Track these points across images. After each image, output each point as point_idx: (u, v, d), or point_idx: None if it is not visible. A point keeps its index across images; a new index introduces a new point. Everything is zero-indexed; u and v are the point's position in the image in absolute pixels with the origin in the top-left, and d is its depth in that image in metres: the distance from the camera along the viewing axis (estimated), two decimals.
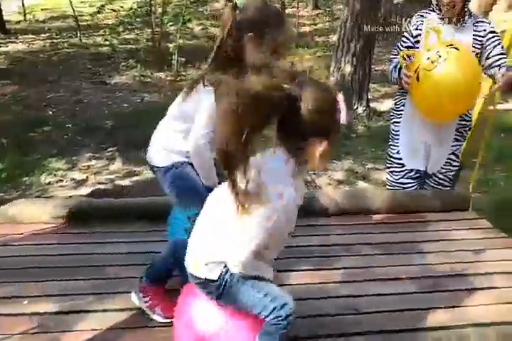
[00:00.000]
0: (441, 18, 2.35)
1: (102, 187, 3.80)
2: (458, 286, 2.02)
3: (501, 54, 2.29)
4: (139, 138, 4.94)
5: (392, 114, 2.72)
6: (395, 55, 2.49)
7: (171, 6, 9.45)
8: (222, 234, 1.39)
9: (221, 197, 1.41)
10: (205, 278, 1.42)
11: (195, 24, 12.71)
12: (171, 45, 8.52)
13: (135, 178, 4.01)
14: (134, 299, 1.86)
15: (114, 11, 11.33)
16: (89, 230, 2.41)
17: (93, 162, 4.33)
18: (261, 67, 1.35)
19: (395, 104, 2.70)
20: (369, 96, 6.08)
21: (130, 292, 1.88)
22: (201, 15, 13.22)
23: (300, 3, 13.56)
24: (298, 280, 2.04)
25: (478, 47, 2.32)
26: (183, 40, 8.89)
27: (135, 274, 1.95)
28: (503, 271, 2.13)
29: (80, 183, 3.89)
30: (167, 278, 1.88)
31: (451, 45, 2.18)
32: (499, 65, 2.26)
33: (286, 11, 12.98)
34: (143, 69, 8.24)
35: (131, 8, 11.18)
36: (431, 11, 2.41)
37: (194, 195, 1.77)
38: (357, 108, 5.81)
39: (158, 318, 1.81)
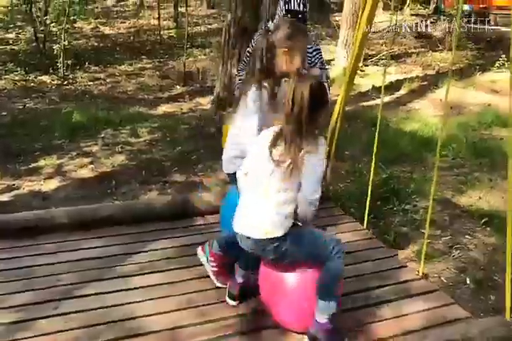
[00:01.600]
0: None
1: None
2: None
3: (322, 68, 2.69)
4: (19, 149, 4.67)
5: None
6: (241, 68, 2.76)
7: (56, 3, 8.90)
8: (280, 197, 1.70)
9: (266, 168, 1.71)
10: (270, 238, 1.70)
11: (85, 23, 12.16)
12: (55, 47, 8.02)
13: (15, 192, 3.79)
14: (203, 259, 2.12)
15: None
16: None
17: None
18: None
19: None
20: None
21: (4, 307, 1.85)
22: (90, 13, 12.68)
23: (194, 3, 13.55)
24: None
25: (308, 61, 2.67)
26: (71, 41, 8.43)
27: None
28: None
29: None
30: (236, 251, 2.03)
31: None
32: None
33: (181, 10, 12.92)
34: (24, 73, 7.68)
35: (9, 5, 10.36)
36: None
37: None
38: None
39: (218, 284, 2.10)
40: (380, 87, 3.10)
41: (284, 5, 2.56)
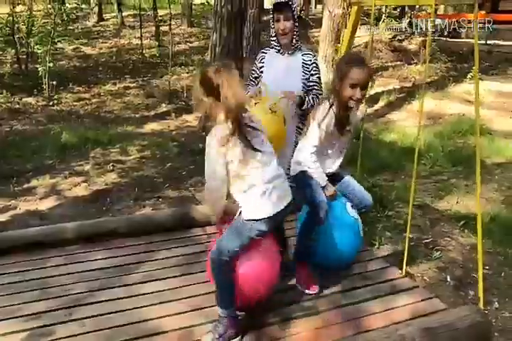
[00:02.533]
0: (278, 51, 2.89)
1: None
2: None
3: (316, 82, 2.88)
4: (11, 170, 4.76)
5: None
6: (248, 84, 2.96)
7: (37, 24, 9.04)
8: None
9: None
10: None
11: (66, 44, 12.29)
12: (39, 68, 8.14)
13: (12, 212, 3.88)
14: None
15: None
16: None
17: None
18: None
19: None
20: None
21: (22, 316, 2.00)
22: (71, 33, 12.82)
23: (175, 21, 13.82)
24: None
25: (306, 72, 2.86)
26: (54, 62, 8.55)
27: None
28: None
29: None
30: (307, 257, 2.36)
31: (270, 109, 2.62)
32: (311, 89, 2.84)
33: (162, 29, 13.18)
34: (9, 96, 7.77)
35: None
36: (270, 48, 2.95)
37: None
38: None
39: (304, 290, 2.31)
40: None
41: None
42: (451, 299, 2.69)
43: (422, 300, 2.24)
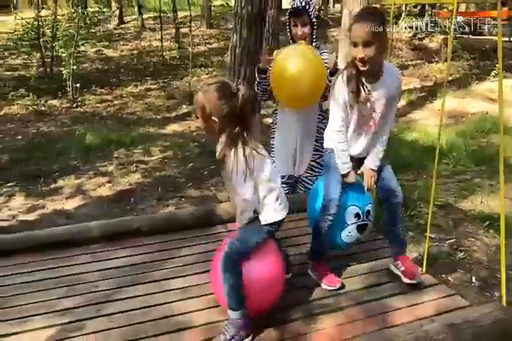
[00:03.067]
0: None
1: (6, 224, 3.73)
2: None
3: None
4: (38, 171, 4.89)
5: (270, 131, 3.21)
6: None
7: (61, 28, 9.24)
8: None
9: None
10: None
11: (89, 46, 12.51)
12: (64, 71, 8.33)
13: (40, 211, 3.98)
14: (312, 275, 2.37)
15: None
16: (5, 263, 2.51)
17: None
18: None
19: (271, 123, 3.21)
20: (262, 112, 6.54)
21: (52, 312, 2.07)
22: (94, 36, 13.04)
23: (194, 23, 13.94)
24: None
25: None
26: (77, 65, 8.73)
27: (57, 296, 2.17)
28: None
29: None
30: (322, 254, 2.38)
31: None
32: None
33: (182, 31, 13.31)
34: (35, 98, 7.96)
35: (14, 31, 10.72)
36: None
37: None
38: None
39: (326, 287, 2.30)
40: None
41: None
42: (476, 300, 2.67)
43: (444, 297, 2.24)
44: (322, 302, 2.20)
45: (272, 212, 1.94)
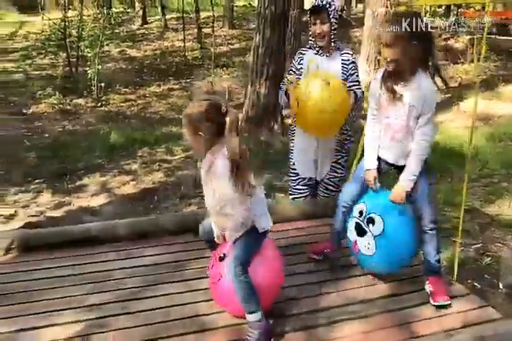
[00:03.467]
0: (317, 52, 2.87)
1: (34, 219, 3.81)
2: None
3: (356, 81, 2.84)
4: (64, 169, 4.99)
5: (289, 133, 3.18)
6: (284, 83, 2.94)
7: (87, 28, 9.41)
8: None
9: None
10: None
11: (113, 46, 12.68)
12: (89, 70, 8.47)
13: (66, 208, 4.06)
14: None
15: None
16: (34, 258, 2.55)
17: (20, 196, 4.30)
18: None
19: (290, 125, 3.16)
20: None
21: (78, 307, 2.12)
22: (118, 36, 13.22)
23: (217, 23, 14.01)
24: None
25: (345, 72, 2.85)
26: (101, 65, 8.87)
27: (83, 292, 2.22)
28: None
29: (10, 218, 3.87)
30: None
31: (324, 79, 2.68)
32: (352, 90, 2.79)
33: (204, 31, 13.39)
34: (61, 97, 8.11)
35: (42, 31, 10.93)
36: (308, 48, 2.95)
37: None
38: (273, 126, 6.22)
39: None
40: None
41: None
42: (504, 306, 2.61)
43: (475, 309, 2.17)
44: (347, 309, 2.18)
45: (267, 220, 2.06)
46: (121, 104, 8.28)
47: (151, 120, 7.35)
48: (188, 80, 10.09)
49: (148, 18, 17.50)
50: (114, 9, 13.37)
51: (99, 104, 8.13)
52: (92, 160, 5.30)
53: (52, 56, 10.79)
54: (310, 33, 2.85)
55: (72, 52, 9.97)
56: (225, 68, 10.87)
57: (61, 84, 8.94)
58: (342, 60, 2.85)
